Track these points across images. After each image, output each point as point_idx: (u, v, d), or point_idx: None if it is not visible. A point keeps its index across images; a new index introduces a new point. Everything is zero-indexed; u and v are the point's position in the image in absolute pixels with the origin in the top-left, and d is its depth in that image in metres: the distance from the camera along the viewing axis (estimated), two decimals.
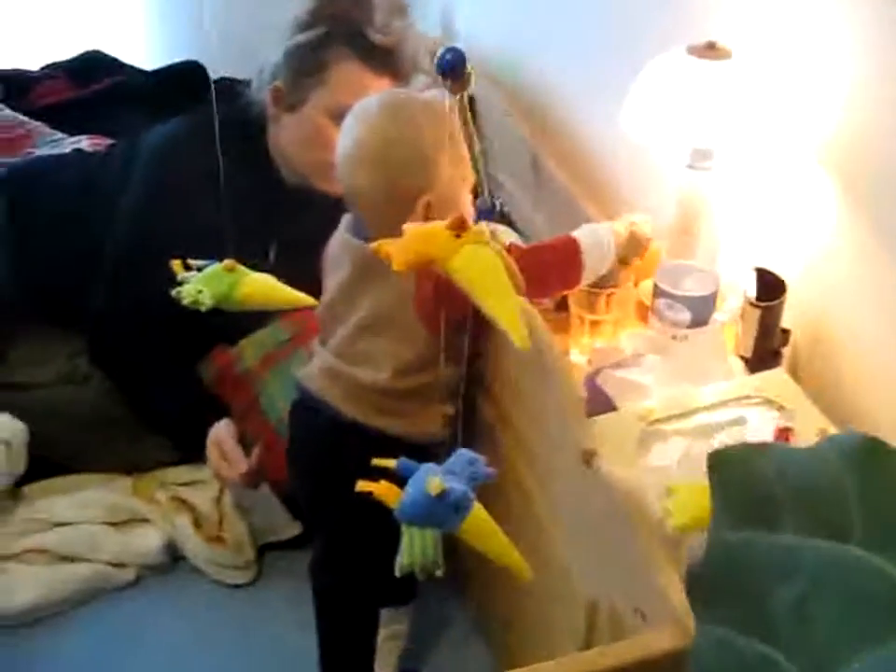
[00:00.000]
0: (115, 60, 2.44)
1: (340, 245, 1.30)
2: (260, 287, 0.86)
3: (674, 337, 1.37)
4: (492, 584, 1.40)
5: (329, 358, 1.30)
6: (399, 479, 0.79)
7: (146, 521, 1.59)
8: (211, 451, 1.47)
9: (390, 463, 0.76)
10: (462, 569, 1.31)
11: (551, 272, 1.27)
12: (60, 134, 2.27)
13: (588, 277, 1.31)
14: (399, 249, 0.78)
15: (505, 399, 1.25)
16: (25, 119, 2.27)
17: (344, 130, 1.26)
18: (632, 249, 1.36)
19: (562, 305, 1.50)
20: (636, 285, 1.51)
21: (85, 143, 2.18)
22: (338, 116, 1.46)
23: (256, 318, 1.65)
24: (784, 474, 0.51)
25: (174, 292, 0.85)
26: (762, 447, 0.56)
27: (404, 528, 0.72)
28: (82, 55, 2.45)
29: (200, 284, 0.85)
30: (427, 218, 1.23)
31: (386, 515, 1.35)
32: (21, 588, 1.48)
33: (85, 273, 1.60)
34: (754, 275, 1.34)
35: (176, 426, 1.55)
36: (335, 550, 1.35)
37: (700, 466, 1.12)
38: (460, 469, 0.74)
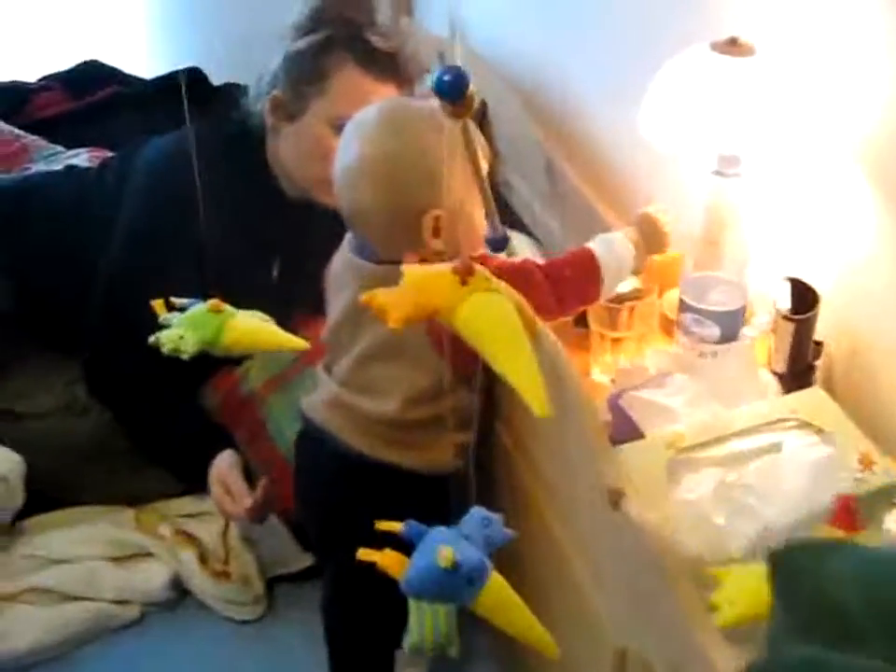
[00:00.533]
0: (113, 69, 2.38)
1: (343, 265, 1.23)
2: (249, 329, 0.78)
3: (701, 354, 1.28)
4: None
5: (334, 387, 1.23)
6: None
7: (149, 555, 1.52)
8: (214, 486, 1.40)
9: (395, 526, 0.68)
10: None
11: (569, 289, 1.19)
12: (58, 148, 2.21)
13: (607, 292, 1.23)
14: (396, 301, 0.69)
15: (523, 427, 1.17)
16: (22, 132, 2.21)
17: (342, 145, 1.18)
18: (653, 245, 1.28)
19: (582, 320, 1.41)
20: (659, 296, 1.43)
21: (84, 156, 2.12)
22: (339, 126, 1.38)
23: None
24: (864, 581, 0.41)
25: (152, 339, 0.77)
26: (834, 545, 0.47)
27: (412, 603, 0.64)
28: (79, 65, 2.39)
29: (182, 328, 0.77)
30: (437, 235, 1.15)
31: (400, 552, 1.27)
32: (18, 631, 1.42)
33: (82, 294, 1.53)
34: (786, 286, 1.25)
35: (178, 458, 1.48)
36: (345, 588, 1.27)
37: (734, 499, 1.05)
38: (474, 532, 0.66)
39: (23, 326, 1.61)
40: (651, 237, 1.27)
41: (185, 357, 0.75)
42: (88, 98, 2.30)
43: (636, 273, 1.31)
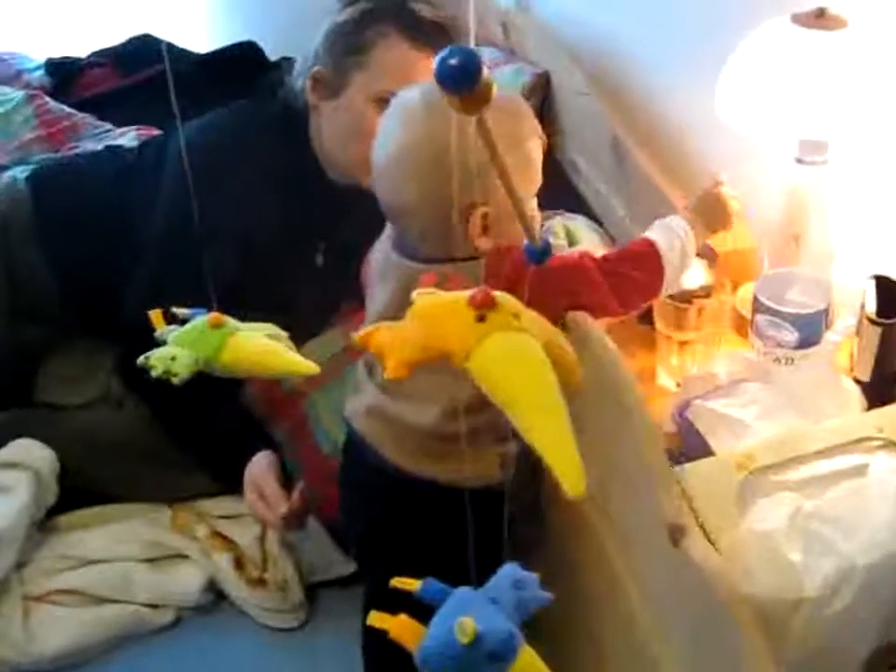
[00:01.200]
0: (166, 44, 2.30)
1: (385, 259, 1.13)
2: (252, 349, 0.69)
3: (777, 360, 1.16)
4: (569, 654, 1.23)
5: (376, 393, 1.14)
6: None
7: (185, 557, 1.45)
8: (248, 490, 1.33)
9: (412, 585, 0.59)
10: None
11: (630, 286, 1.08)
12: (107, 126, 2.15)
13: (670, 284, 1.12)
14: (395, 343, 0.58)
15: (580, 436, 1.06)
16: (71, 111, 2.15)
17: (381, 131, 1.07)
18: (715, 222, 1.17)
19: (647, 316, 1.30)
20: (732, 291, 1.31)
21: (132, 134, 2.06)
22: (381, 101, 1.29)
23: (310, 324, 1.49)
24: None
25: (141, 359, 0.69)
26: None
27: None
28: (131, 40, 2.33)
29: (177, 345, 0.68)
30: (485, 233, 1.04)
31: (445, 575, 1.19)
32: (48, 633, 1.36)
33: (122, 282, 1.46)
34: (873, 285, 1.12)
35: (213, 457, 1.41)
36: (383, 609, 1.19)
37: (811, 531, 0.93)
38: (504, 595, 0.56)
39: (70, 310, 1.54)
40: (712, 214, 1.17)
41: (175, 381, 0.66)
42: (138, 75, 2.23)
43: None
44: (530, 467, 1.19)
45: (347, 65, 1.39)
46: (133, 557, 1.44)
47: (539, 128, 1.09)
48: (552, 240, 1.59)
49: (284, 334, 0.75)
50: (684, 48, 1.63)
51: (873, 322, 1.11)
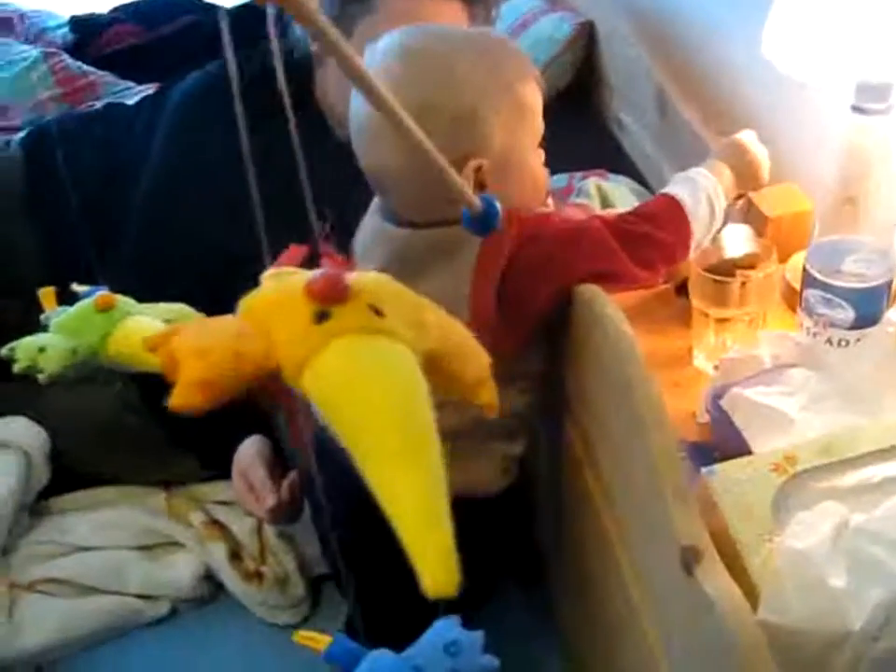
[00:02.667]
0: None
1: (372, 233, 1.00)
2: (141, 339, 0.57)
3: (830, 342, 1.00)
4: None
5: None
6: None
7: (180, 546, 1.35)
8: (236, 480, 1.21)
9: (319, 643, 0.46)
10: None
11: (654, 249, 0.94)
12: (128, 83, 2.06)
13: (699, 243, 0.98)
14: (195, 349, 0.42)
15: (591, 431, 0.93)
16: (90, 68, 2.06)
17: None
18: (743, 181, 1.05)
19: (685, 288, 1.15)
20: (783, 260, 1.14)
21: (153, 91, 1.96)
22: None
23: None
24: None
25: (4, 350, 0.57)
26: None
27: None
28: None
29: (58, 332, 0.56)
30: (481, 187, 0.90)
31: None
32: (33, 624, 1.27)
33: (111, 247, 1.35)
34: None
35: (200, 441, 1.29)
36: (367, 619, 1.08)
37: (860, 550, 0.78)
38: (432, 663, 0.43)
39: (56, 277, 1.44)
40: (742, 165, 1.04)
41: (42, 378, 0.54)
42: (161, 29, 2.12)
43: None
44: (552, 466, 1.06)
45: (353, 10, 1.24)
46: (125, 545, 1.34)
47: (532, 68, 0.94)
48: (581, 200, 1.44)
49: (198, 315, 0.62)
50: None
51: None
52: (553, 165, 1.74)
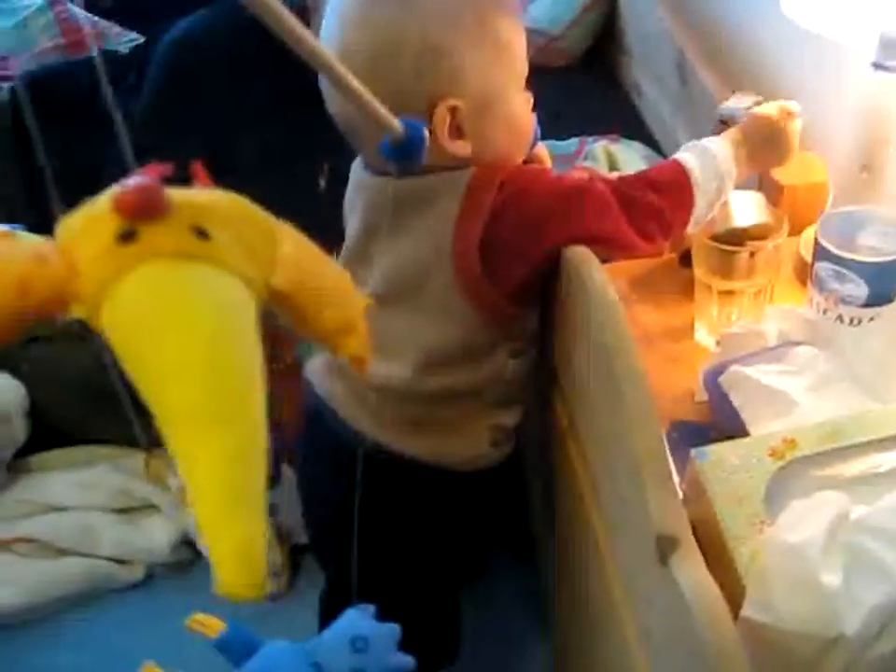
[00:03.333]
0: None
1: (353, 182, 0.94)
2: None
3: (841, 319, 0.93)
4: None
5: None
6: None
7: (157, 509, 1.30)
8: None
9: (212, 629, 0.41)
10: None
11: (648, 212, 0.86)
12: (133, 35, 2.00)
13: (698, 220, 0.90)
14: None
15: (575, 405, 0.86)
16: (95, 18, 1.99)
17: (323, 34, 0.87)
18: (771, 152, 0.96)
19: (690, 258, 1.08)
20: (797, 232, 1.07)
21: None
22: None
23: None
24: None
25: None
26: None
27: None
28: None
29: None
30: (458, 132, 0.83)
31: (417, 574, 0.99)
32: (4, 585, 1.23)
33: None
34: None
35: None
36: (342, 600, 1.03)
37: (858, 546, 0.72)
38: (334, 659, 0.37)
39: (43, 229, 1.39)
40: (766, 141, 0.95)
41: None
42: None
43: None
44: (541, 441, 1.00)
45: None
46: (101, 506, 1.30)
47: (514, 3, 0.87)
48: (588, 164, 1.37)
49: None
50: None
51: None
52: (568, 129, 1.69)
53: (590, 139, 1.56)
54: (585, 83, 1.86)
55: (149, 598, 1.29)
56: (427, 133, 0.81)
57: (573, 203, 0.83)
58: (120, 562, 1.28)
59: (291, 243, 0.36)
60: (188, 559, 1.31)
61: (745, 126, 0.95)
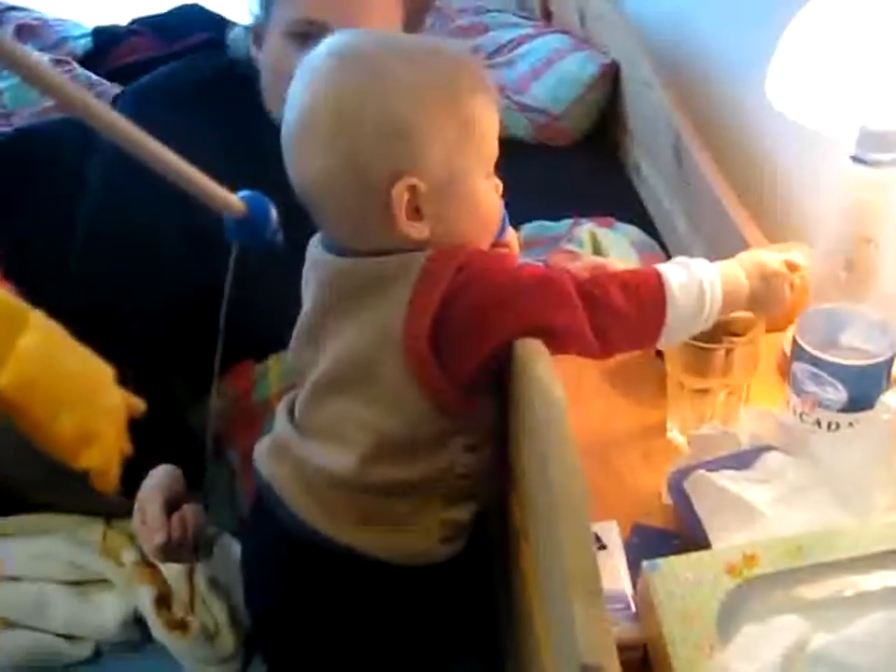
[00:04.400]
0: (211, 14, 2.14)
1: (309, 258, 0.90)
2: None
3: (818, 424, 0.88)
4: None
5: (286, 426, 0.90)
6: None
7: (109, 583, 1.24)
8: (135, 513, 1.10)
9: None
10: None
11: (616, 322, 0.80)
12: None
13: (670, 337, 0.83)
14: None
15: (525, 504, 0.81)
16: (99, 79, 2.01)
17: (288, 101, 0.84)
18: (761, 304, 0.88)
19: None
20: (781, 328, 1.03)
21: None
22: (296, 37, 1.09)
23: (279, 317, 1.25)
24: None
25: None
26: None
27: None
28: (174, 10, 2.18)
29: None
30: (416, 213, 0.79)
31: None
32: None
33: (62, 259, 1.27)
34: None
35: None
36: None
37: None
38: None
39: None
40: (759, 292, 0.87)
41: None
42: (179, 43, 2.07)
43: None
44: (500, 536, 0.94)
45: (268, 4, 1.15)
46: (54, 578, 1.24)
47: (490, 87, 0.83)
48: (572, 247, 1.33)
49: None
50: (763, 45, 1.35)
51: None
52: (566, 209, 1.66)
53: (583, 221, 1.53)
54: (586, 163, 1.83)
55: None
56: (273, 209, 0.78)
57: (530, 294, 0.79)
58: (69, 637, 1.22)
59: (36, 335, 0.32)
60: (137, 638, 1.25)
61: (743, 264, 0.87)
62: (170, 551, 1.05)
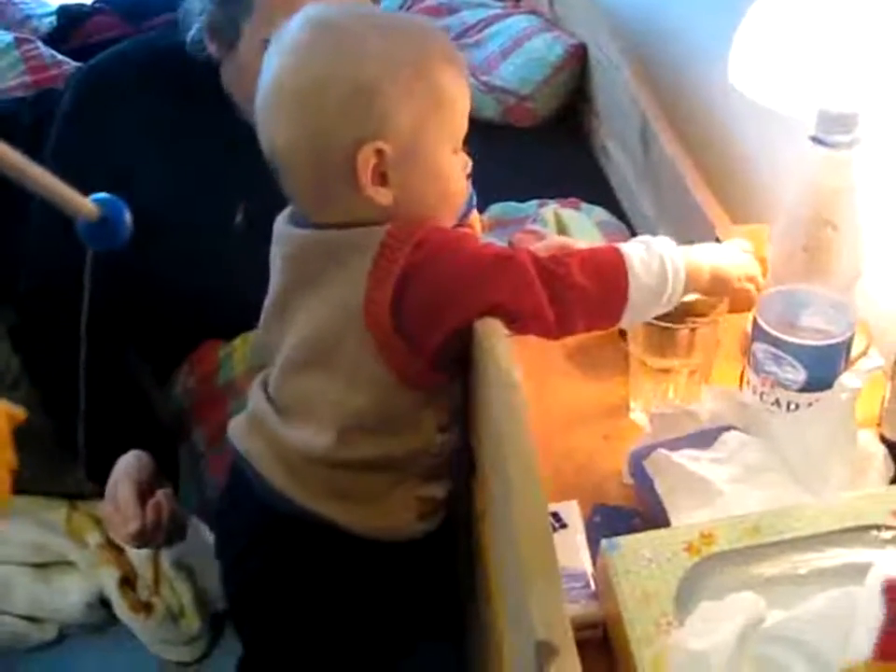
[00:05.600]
0: None
1: (275, 233, 0.90)
2: None
3: (777, 404, 0.89)
4: None
5: (261, 402, 0.90)
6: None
7: (73, 566, 1.24)
8: (106, 498, 1.09)
9: None
10: None
11: (576, 300, 0.80)
12: None
13: (632, 316, 0.84)
14: None
15: (484, 484, 0.81)
16: (63, 58, 1.97)
17: (262, 69, 0.84)
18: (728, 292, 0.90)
19: None
20: (745, 309, 1.03)
21: None
22: None
23: (239, 302, 1.24)
24: None
25: None
26: None
27: None
28: None
29: None
30: (382, 178, 0.79)
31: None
32: None
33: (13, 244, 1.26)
34: None
35: (88, 449, 1.16)
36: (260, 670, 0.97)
37: (769, 659, 0.66)
38: None
39: None
40: (717, 284, 0.88)
41: None
42: (141, 24, 2.04)
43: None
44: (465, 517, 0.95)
45: (231, 12, 1.14)
46: (17, 560, 1.23)
47: (460, 60, 0.83)
48: (537, 227, 1.33)
49: None
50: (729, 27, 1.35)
51: None
52: (533, 190, 1.66)
53: (550, 202, 1.53)
54: (554, 144, 1.83)
55: (61, 659, 1.23)
56: (127, 212, 0.78)
57: (490, 273, 0.79)
58: (33, 620, 1.22)
59: None
60: (102, 620, 1.24)
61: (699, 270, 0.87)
62: (144, 537, 1.04)
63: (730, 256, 0.90)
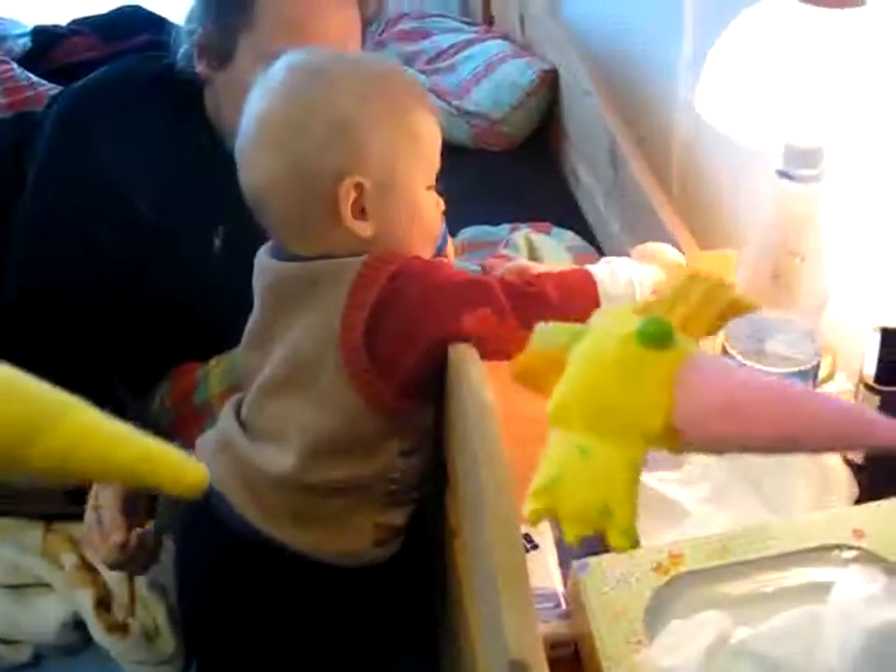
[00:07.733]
0: (152, 15, 2.12)
1: (256, 266, 0.92)
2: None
3: None
4: None
5: (231, 423, 0.91)
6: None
7: (48, 587, 1.24)
8: (87, 514, 1.08)
9: None
10: None
11: (546, 309, 0.83)
12: None
13: None
14: None
15: (457, 505, 0.83)
16: (38, 80, 1.98)
17: (244, 110, 0.87)
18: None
19: None
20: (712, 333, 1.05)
21: None
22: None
23: (217, 325, 1.24)
24: None
25: None
26: None
27: None
28: (116, 10, 2.15)
29: None
30: (361, 214, 0.82)
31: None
32: None
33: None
34: (877, 340, 0.87)
35: None
36: None
37: None
38: None
39: None
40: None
41: None
42: (120, 44, 2.05)
43: None
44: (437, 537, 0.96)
45: (230, 20, 1.15)
46: None
47: (429, 102, 0.87)
48: (508, 252, 1.36)
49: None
50: (698, 56, 1.39)
51: (871, 389, 0.86)
52: (505, 215, 1.69)
53: (522, 226, 1.55)
54: (525, 168, 1.86)
55: None
56: None
57: (463, 298, 0.81)
58: (7, 642, 1.22)
59: None
60: (77, 642, 1.24)
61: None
62: (126, 552, 1.02)
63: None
